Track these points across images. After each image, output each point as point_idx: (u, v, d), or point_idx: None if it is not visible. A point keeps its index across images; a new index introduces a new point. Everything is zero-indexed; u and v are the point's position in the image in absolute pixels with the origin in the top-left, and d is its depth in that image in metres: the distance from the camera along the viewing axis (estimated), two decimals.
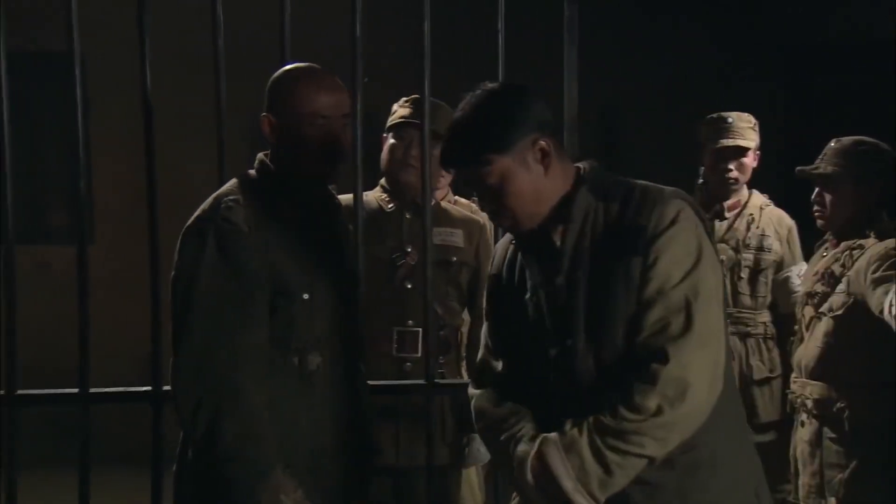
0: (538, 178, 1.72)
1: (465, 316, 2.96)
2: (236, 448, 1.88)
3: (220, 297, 1.92)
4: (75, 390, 2.43)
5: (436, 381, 2.51)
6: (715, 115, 3.37)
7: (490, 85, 1.78)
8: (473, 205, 3.32)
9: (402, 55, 3.44)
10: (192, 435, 1.93)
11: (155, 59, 2.43)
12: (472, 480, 3.18)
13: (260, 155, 2.11)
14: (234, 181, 2.07)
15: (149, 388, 2.44)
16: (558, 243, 1.73)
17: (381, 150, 2.88)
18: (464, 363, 3.00)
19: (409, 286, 2.76)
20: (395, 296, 2.76)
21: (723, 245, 3.34)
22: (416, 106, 2.79)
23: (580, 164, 1.81)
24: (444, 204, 2.98)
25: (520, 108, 1.72)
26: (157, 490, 2.43)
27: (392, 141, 2.83)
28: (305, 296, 2.01)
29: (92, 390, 2.44)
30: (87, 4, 2.41)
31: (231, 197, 1.98)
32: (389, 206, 2.84)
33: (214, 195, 2.03)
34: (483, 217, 3.05)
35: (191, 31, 3.82)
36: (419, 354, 2.69)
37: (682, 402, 1.63)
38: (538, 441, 1.68)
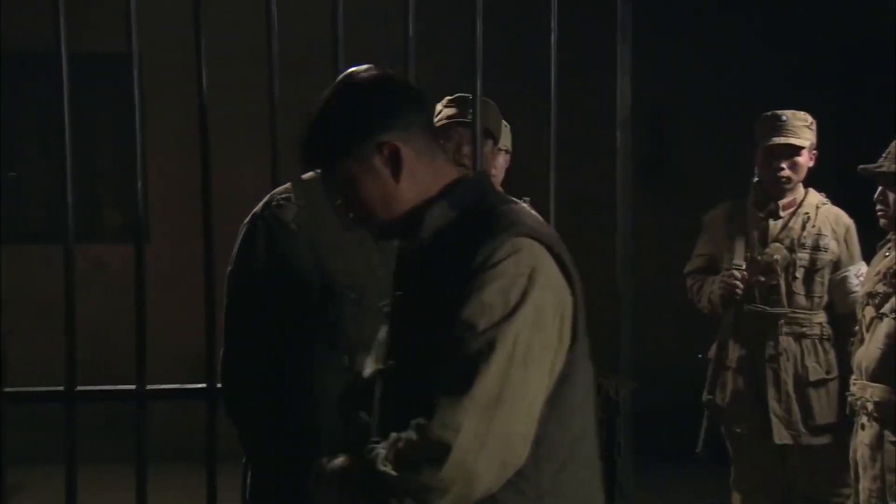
0: (387, 184, 1.55)
1: None
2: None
3: (266, 294, 1.97)
4: (132, 387, 2.46)
5: None
6: (769, 113, 3.33)
7: (345, 78, 1.63)
8: (524, 205, 3.30)
9: (452, 54, 3.45)
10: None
11: (208, 58, 2.45)
12: None
13: None
14: (302, 179, 2.11)
15: (204, 384, 2.46)
16: (407, 256, 1.59)
17: None
18: None
19: None
20: None
21: (776, 244, 3.29)
22: (461, 105, 2.79)
23: (467, 174, 1.65)
24: None
25: (363, 109, 1.56)
26: (212, 485, 2.46)
27: (440, 142, 2.83)
28: (353, 295, 2.01)
29: (148, 387, 2.47)
30: (140, 5, 2.43)
31: (283, 195, 2.02)
32: None
33: (270, 194, 2.08)
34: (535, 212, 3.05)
35: (244, 30, 3.87)
36: None
37: (439, 466, 1.40)
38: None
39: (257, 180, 3.89)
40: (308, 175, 2.11)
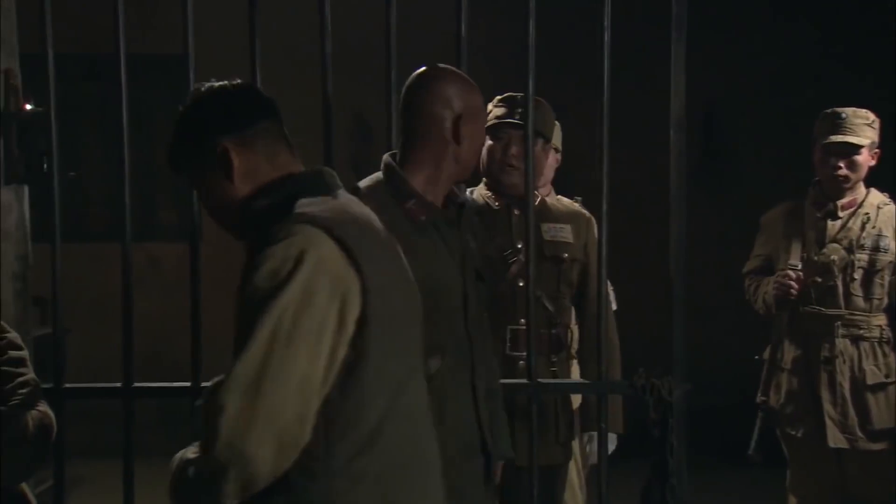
0: (225, 184, 1.62)
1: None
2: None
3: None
4: (187, 384, 2.49)
5: (540, 380, 2.49)
6: (829, 111, 3.27)
7: (193, 91, 1.73)
8: (576, 204, 3.30)
9: (504, 53, 3.44)
10: None
11: (261, 59, 2.48)
12: (573, 481, 3.16)
13: (386, 157, 2.12)
14: (369, 184, 2.06)
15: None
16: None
17: None
18: (574, 361, 2.98)
19: (521, 284, 2.75)
20: (507, 294, 2.74)
21: (834, 245, 3.24)
22: (511, 105, 2.78)
23: (303, 169, 1.68)
24: (549, 200, 2.96)
25: (201, 118, 1.66)
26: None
27: (490, 142, 2.83)
28: (430, 299, 1.92)
29: (204, 384, 2.49)
30: (195, 7, 2.46)
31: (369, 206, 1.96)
32: (496, 204, 2.84)
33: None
34: (587, 211, 3.04)
35: (298, 31, 3.90)
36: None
37: (213, 448, 1.44)
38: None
39: None
40: (369, 181, 2.09)
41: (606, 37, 2.41)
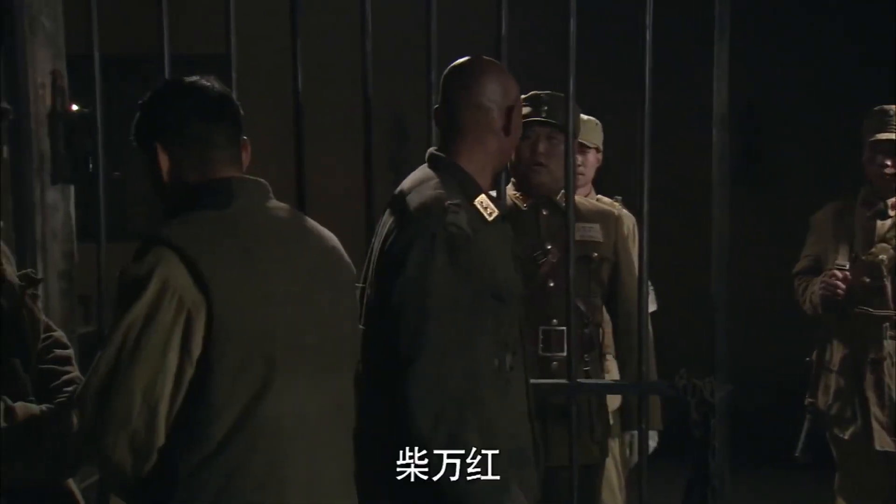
0: (161, 178, 1.78)
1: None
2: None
3: (455, 306, 1.82)
4: None
5: (579, 380, 2.48)
6: (877, 108, 3.22)
7: (161, 84, 1.89)
8: (616, 203, 3.28)
9: (545, 52, 3.44)
10: (429, 446, 1.77)
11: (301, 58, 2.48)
12: (612, 481, 3.15)
13: (437, 153, 2.07)
14: (434, 180, 1.98)
15: None
16: None
17: None
18: (608, 360, 2.97)
19: (552, 284, 2.73)
20: (538, 294, 2.72)
21: (883, 245, 3.19)
22: (536, 103, 2.77)
23: (223, 177, 1.78)
24: (576, 199, 2.95)
25: (152, 113, 1.82)
26: None
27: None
28: (507, 298, 1.98)
29: None
30: (236, 6, 2.48)
31: (453, 201, 1.90)
32: (524, 204, 2.83)
33: (432, 196, 1.91)
34: (617, 209, 3.02)
35: (338, 30, 3.92)
36: (565, 353, 2.67)
37: (80, 441, 1.65)
38: None
39: (347, 180, 3.96)
40: (417, 182, 2.00)
41: (648, 36, 2.39)
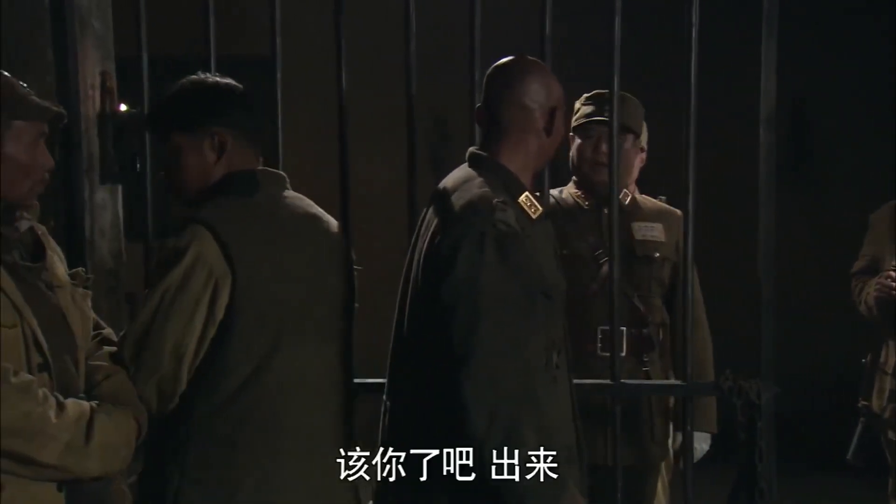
0: (208, 164, 1.99)
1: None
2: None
3: (507, 304, 1.82)
4: None
5: (623, 381, 2.47)
6: None
7: (195, 77, 2.04)
8: (660, 203, 3.26)
9: (590, 51, 3.41)
10: (485, 445, 1.77)
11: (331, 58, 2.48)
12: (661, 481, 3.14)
13: (478, 151, 2.07)
14: (478, 178, 1.97)
15: None
16: None
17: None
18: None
19: None
20: (599, 294, 2.69)
21: None
22: (599, 102, 2.75)
23: (240, 169, 2.00)
24: (638, 198, 2.93)
25: (207, 100, 1.99)
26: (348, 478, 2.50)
27: (579, 140, 2.81)
28: (555, 295, 2.00)
29: None
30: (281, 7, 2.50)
31: (500, 199, 1.91)
32: (586, 203, 2.82)
33: (478, 194, 1.91)
34: (677, 210, 2.99)
35: (381, 30, 3.94)
36: (624, 353, 2.65)
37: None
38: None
39: (389, 178, 3.97)
40: (458, 181, 1.99)
41: (694, 34, 2.37)
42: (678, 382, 2.47)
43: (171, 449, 1.92)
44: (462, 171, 2.04)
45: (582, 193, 2.83)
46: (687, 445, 2.44)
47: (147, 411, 1.89)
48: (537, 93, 2.03)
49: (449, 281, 1.83)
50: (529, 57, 2.13)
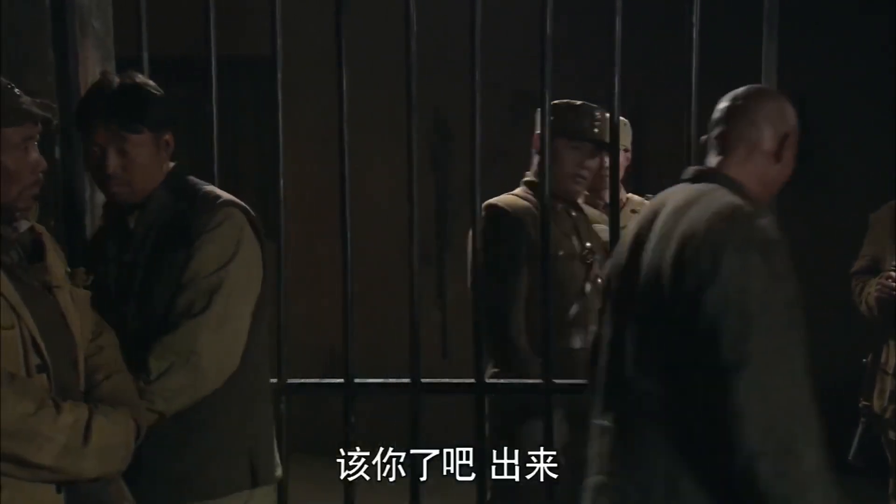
0: (160, 164, 2.11)
1: None
2: (818, 475, 1.76)
3: (777, 311, 1.77)
4: (273, 380, 2.53)
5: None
6: None
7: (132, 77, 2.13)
8: (647, 202, 3.27)
9: (590, 53, 3.41)
10: (758, 458, 1.71)
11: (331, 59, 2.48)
12: None
13: (698, 168, 2.03)
14: (719, 189, 1.91)
15: (341, 380, 2.52)
16: (131, 225, 2.09)
17: None
18: None
19: (600, 280, 2.77)
20: (593, 291, 2.81)
21: None
22: (590, 117, 2.84)
23: (171, 164, 2.14)
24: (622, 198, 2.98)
25: (165, 104, 2.11)
26: (348, 478, 2.50)
27: (563, 151, 2.84)
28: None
29: (289, 381, 2.54)
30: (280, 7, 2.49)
31: (751, 206, 1.89)
32: (557, 207, 2.85)
33: (729, 203, 1.85)
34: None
35: (382, 31, 3.93)
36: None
37: (185, 366, 1.97)
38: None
39: (390, 178, 3.97)
40: (689, 194, 1.94)
41: (695, 34, 2.37)
42: None
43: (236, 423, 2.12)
44: (690, 188, 1.96)
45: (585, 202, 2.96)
46: None
47: (199, 388, 2.01)
48: (771, 112, 1.96)
49: (714, 290, 1.75)
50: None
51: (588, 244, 2.84)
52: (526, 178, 2.91)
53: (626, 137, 3.25)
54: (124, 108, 2.06)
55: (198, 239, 2.03)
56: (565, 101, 2.85)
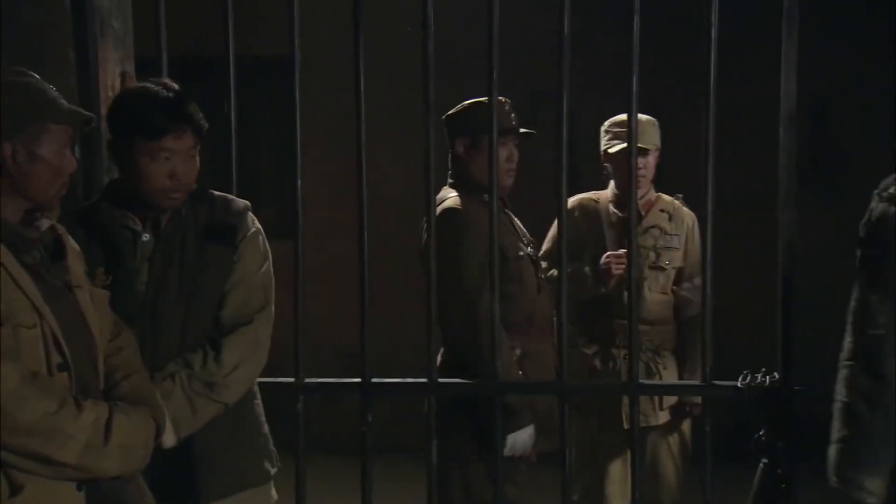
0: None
1: None
2: None
3: None
4: (290, 379, 2.54)
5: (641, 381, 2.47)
6: None
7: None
8: (676, 202, 3.28)
9: (607, 51, 3.40)
10: None
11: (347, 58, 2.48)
12: (669, 478, 3.19)
13: None
14: None
15: (359, 379, 2.51)
16: (161, 228, 2.14)
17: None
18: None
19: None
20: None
21: None
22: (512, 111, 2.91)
23: None
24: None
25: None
26: (366, 477, 2.51)
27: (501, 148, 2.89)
28: None
29: (306, 380, 2.54)
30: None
31: None
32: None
33: None
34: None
35: (399, 31, 3.93)
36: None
37: (252, 360, 2.12)
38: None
39: (405, 178, 3.97)
40: None
41: (714, 32, 2.36)
42: (697, 383, 2.46)
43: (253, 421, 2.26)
44: None
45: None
46: (705, 446, 2.43)
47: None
48: None
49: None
50: None
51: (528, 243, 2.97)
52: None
53: (654, 136, 3.25)
54: (193, 115, 2.09)
55: (241, 241, 2.16)
56: (475, 100, 2.88)
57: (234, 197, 2.25)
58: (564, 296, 2.43)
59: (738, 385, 2.35)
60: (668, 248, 3.32)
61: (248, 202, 2.24)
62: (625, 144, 3.10)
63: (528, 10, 4.37)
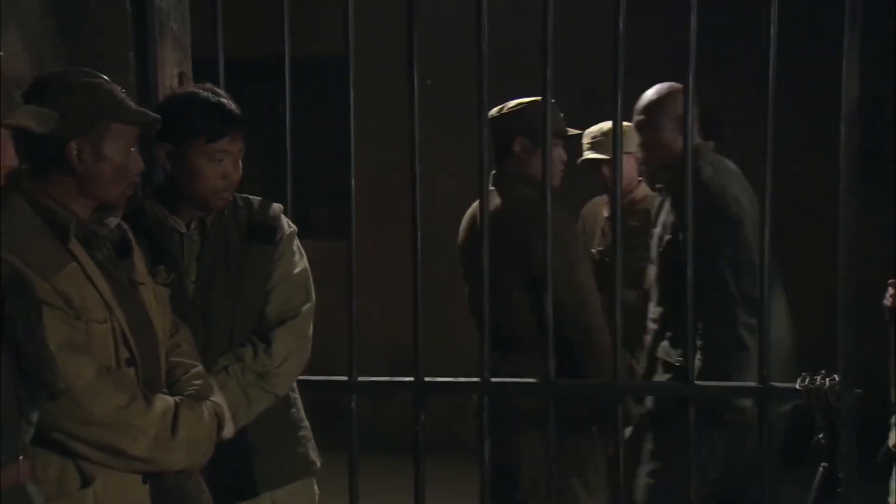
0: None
1: None
2: None
3: None
4: (343, 378, 2.55)
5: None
6: None
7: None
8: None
9: (662, 51, 3.37)
10: None
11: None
12: None
13: None
14: None
15: (411, 378, 2.52)
16: (208, 227, 2.18)
17: None
18: None
19: None
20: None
21: None
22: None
23: None
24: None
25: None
26: (420, 476, 2.52)
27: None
28: None
29: (360, 379, 2.55)
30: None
31: None
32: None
33: None
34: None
35: (453, 31, 3.93)
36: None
37: (300, 352, 2.17)
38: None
39: (459, 178, 3.96)
40: None
41: (773, 30, 2.32)
42: (756, 384, 2.42)
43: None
44: None
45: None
46: (765, 448, 2.40)
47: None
48: None
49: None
50: None
51: None
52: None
53: (630, 144, 3.18)
54: (244, 119, 2.14)
55: (281, 240, 2.21)
56: (529, 99, 2.82)
57: (258, 198, 2.29)
58: (619, 296, 2.41)
59: (797, 387, 2.31)
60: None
61: (281, 205, 2.32)
62: (592, 155, 3.51)
63: (583, 11, 4.33)
